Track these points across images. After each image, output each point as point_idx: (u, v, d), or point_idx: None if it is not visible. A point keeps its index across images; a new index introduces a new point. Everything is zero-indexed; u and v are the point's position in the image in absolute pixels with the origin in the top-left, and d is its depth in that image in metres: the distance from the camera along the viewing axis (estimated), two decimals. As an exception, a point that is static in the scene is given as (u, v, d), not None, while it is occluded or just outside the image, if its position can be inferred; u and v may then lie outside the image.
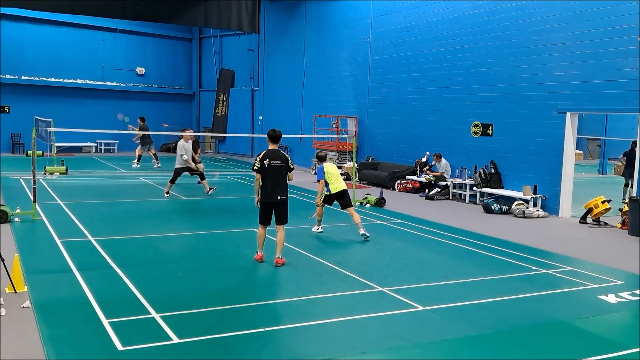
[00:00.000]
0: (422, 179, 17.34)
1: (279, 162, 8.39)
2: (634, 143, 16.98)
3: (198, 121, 33.48)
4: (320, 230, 11.21)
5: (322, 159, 11.45)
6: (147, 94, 31.76)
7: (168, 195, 15.02)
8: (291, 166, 8.56)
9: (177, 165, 15.10)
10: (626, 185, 16.60)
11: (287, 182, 8.61)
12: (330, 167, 11.12)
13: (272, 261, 8.63)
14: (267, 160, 8.35)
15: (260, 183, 8.46)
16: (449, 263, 9.18)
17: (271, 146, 8.55)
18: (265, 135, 8.81)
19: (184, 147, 14.89)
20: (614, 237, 11.75)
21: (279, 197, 8.43)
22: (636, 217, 11.75)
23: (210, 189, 15.50)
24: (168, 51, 32.63)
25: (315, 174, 18.71)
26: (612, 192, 16.65)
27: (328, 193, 11.00)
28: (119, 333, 5.71)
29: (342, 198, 10.97)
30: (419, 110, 18.59)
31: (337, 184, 10.98)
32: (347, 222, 12.53)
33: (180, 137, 15.30)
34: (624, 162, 16.85)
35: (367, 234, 10.57)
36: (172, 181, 15.15)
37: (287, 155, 8.59)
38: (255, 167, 8.42)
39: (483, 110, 16.20)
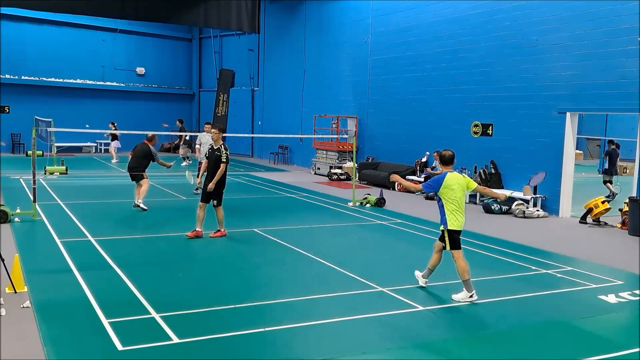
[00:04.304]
0: (422, 179, 17.33)
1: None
2: (611, 142, 17.50)
3: (198, 121, 33.45)
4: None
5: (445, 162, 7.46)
6: (147, 94, 31.76)
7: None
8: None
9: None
10: (605, 182, 17.06)
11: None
12: (453, 178, 7.25)
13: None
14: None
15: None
16: (449, 263, 9.16)
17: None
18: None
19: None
20: (614, 237, 11.75)
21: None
22: (636, 217, 11.75)
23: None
24: (168, 51, 32.62)
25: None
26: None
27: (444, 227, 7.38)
28: (119, 333, 5.71)
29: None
30: (419, 110, 18.59)
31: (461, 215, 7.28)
32: (347, 222, 12.53)
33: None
34: (607, 161, 17.23)
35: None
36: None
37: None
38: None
39: (483, 110, 16.20)
